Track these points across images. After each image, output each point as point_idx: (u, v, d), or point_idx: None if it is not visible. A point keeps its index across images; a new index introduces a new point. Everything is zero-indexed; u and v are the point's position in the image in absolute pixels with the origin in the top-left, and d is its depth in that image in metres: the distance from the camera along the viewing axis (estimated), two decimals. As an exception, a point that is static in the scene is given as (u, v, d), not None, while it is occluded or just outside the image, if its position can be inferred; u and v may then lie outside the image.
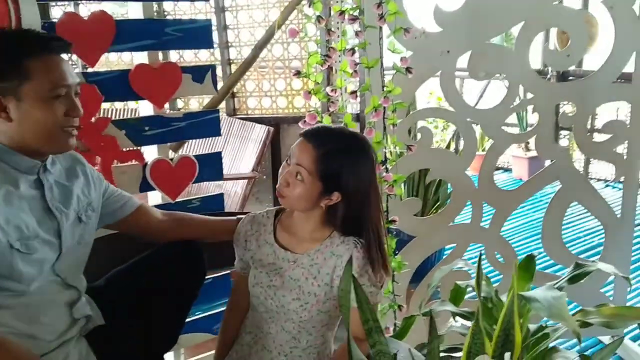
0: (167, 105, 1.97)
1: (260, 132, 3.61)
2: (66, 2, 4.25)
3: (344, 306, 1.19)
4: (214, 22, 4.32)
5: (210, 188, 3.06)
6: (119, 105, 4.22)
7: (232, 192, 3.28)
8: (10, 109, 1.19)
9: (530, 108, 4.59)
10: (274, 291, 1.44)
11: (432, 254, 2.40)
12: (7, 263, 1.19)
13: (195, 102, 4.57)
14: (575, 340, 2.41)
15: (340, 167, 1.36)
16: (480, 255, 1.43)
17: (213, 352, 2.04)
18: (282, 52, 4.38)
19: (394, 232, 2.16)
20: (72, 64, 1.37)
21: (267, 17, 4.36)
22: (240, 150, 3.59)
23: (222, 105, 4.22)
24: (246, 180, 3.33)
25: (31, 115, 1.20)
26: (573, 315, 1.31)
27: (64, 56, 1.29)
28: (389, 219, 2.02)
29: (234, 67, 4.51)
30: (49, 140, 1.24)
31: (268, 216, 1.54)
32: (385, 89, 1.89)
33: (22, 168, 1.24)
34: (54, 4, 3.89)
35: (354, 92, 1.89)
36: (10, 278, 1.20)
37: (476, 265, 1.30)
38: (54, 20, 1.69)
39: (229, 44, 4.54)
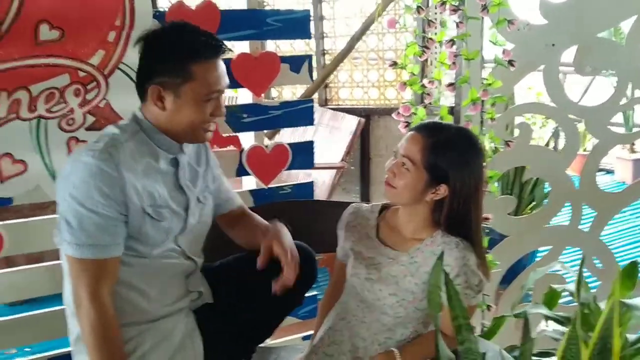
0: (262, 95, 2.03)
1: (350, 122, 3.61)
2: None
3: (432, 300, 1.17)
4: (311, 12, 4.37)
5: (299, 176, 3.11)
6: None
7: (320, 181, 3.31)
8: (166, 100, 1.30)
9: (638, 108, 4.31)
10: (371, 284, 1.44)
11: (525, 255, 2.32)
12: (137, 225, 1.29)
13: (289, 92, 4.65)
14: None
15: (449, 159, 1.35)
16: (583, 258, 1.36)
17: (297, 335, 2.10)
18: (376, 43, 4.35)
19: (486, 231, 2.10)
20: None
21: (363, 9, 4.35)
22: (329, 140, 3.61)
23: (315, 95, 4.27)
24: (334, 170, 3.34)
25: (183, 111, 1.30)
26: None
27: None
28: (484, 216, 1.97)
29: (327, 58, 4.54)
30: (191, 134, 1.35)
31: (372, 210, 1.54)
32: (484, 82, 1.84)
33: (163, 146, 1.35)
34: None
35: (451, 84, 1.85)
36: (138, 239, 1.31)
37: (575, 269, 1.25)
38: (162, 9, 1.77)
39: (324, 35, 4.58)
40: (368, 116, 4.15)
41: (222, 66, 1.33)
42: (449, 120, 1.87)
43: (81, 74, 1.67)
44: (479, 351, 1.16)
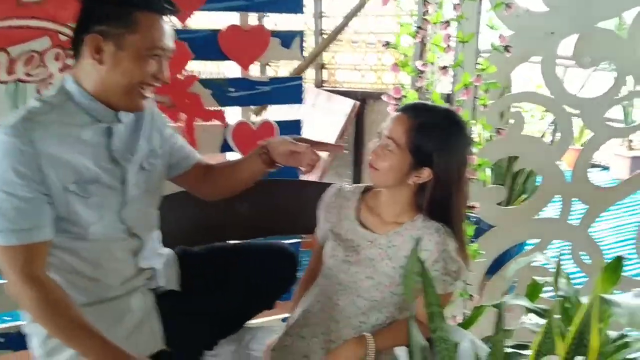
0: (258, 72, 1.97)
1: (345, 105, 3.55)
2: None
3: (407, 286, 1.14)
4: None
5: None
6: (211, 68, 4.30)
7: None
8: (105, 52, 1.21)
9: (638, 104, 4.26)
10: (348, 266, 1.41)
11: (513, 246, 2.28)
12: (64, 205, 1.20)
13: (286, 72, 4.59)
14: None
15: (434, 141, 1.30)
16: (561, 251, 1.32)
17: (275, 317, 2.06)
18: (375, 26, 4.29)
19: (473, 220, 2.07)
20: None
21: (363, -11, 4.28)
22: (324, 122, 3.56)
23: (312, 76, 4.21)
24: (327, 153, 3.30)
25: (123, 65, 1.21)
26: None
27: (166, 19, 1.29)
28: (469, 205, 1.93)
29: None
30: (126, 98, 1.25)
31: (354, 192, 1.50)
32: (478, 66, 1.80)
33: (96, 115, 1.26)
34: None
35: (444, 68, 1.80)
36: (69, 220, 1.22)
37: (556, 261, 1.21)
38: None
39: (322, 14, 4.51)
40: (364, 100, 4.10)
41: (167, 24, 1.26)
42: (441, 104, 1.83)
43: (62, 37, 1.62)
44: (452, 340, 1.13)
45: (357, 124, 4.13)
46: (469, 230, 1.95)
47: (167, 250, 1.49)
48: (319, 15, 4.49)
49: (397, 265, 1.37)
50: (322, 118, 3.61)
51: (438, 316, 1.15)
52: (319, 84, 4.48)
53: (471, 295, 1.93)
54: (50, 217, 1.19)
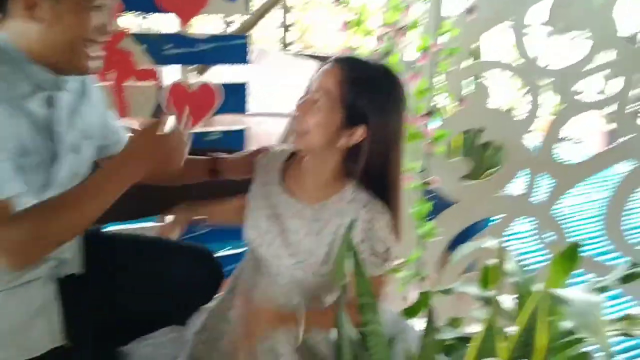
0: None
1: (311, 69, 3.37)
2: None
3: (338, 273, 1.00)
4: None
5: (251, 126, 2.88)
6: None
7: (265, 131, 3.09)
8: (42, 7, 1.04)
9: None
10: (271, 239, 1.27)
11: (478, 222, 2.16)
12: None
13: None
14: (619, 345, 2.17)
15: (370, 95, 1.16)
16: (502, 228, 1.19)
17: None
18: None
19: (431, 195, 1.94)
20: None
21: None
22: (287, 87, 3.38)
23: (278, 39, 4.00)
24: (288, 121, 3.14)
25: (64, 19, 1.06)
26: (616, 321, 1.09)
27: None
28: (425, 180, 1.80)
29: None
30: (70, 58, 1.09)
31: (282, 153, 1.35)
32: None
33: (36, 80, 1.09)
34: None
35: (400, 29, 1.64)
36: None
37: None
38: None
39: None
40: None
41: None
42: (400, 70, 1.67)
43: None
44: (385, 335, 1.00)
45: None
46: (426, 207, 1.83)
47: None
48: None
49: (323, 243, 1.23)
50: (285, 83, 3.43)
51: (370, 308, 1.02)
52: (284, 46, 4.27)
53: (424, 277, 1.81)
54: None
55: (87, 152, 1.24)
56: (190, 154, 1.23)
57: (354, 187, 1.23)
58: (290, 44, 4.32)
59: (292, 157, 1.33)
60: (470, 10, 1.63)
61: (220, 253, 1.76)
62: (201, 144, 1.78)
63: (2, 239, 1.01)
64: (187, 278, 1.39)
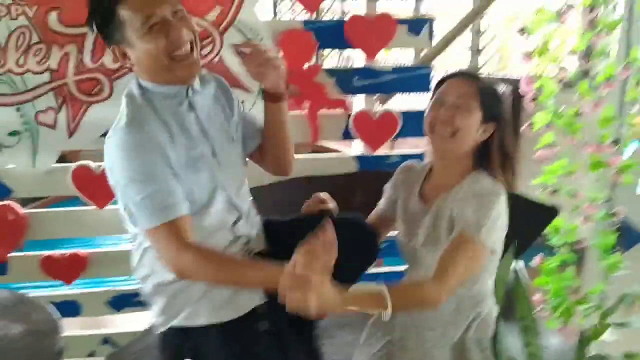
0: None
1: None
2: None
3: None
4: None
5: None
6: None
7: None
8: (129, 53, 1.30)
9: None
10: (411, 239, 1.42)
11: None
12: (186, 188, 1.29)
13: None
14: None
15: (497, 97, 1.38)
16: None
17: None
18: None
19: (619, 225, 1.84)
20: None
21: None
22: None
23: (466, 63, 4.01)
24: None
25: (140, 52, 1.28)
26: None
27: None
28: (612, 212, 1.74)
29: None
30: (164, 69, 1.30)
31: (424, 167, 1.50)
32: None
33: (171, 93, 1.33)
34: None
35: (588, 56, 1.62)
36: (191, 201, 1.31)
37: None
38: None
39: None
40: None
41: None
42: (589, 97, 1.64)
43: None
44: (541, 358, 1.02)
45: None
46: (611, 238, 1.75)
47: (258, 218, 1.53)
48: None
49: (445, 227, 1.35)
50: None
51: (531, 330, 1.06)
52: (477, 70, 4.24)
53: (606, 311, 1.72)
54: (183, 193, 1.29)
55: (239, 141, 1.47)
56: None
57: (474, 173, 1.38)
58: (481, 67, 4.29)
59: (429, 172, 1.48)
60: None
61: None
62: (382, 166, 1.93)
63: (176, 260, 1.26)
64: (349, 244, 1.51)
